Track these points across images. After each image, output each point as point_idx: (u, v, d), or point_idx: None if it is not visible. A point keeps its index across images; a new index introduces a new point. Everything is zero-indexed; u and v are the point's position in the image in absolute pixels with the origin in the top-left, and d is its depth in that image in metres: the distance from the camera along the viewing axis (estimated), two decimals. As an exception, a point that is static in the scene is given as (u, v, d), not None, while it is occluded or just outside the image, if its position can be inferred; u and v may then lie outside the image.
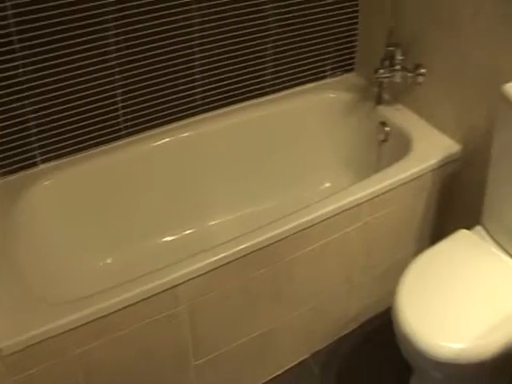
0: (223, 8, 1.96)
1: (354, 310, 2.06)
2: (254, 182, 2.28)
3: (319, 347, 2.04)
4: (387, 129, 2.14)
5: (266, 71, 2.21)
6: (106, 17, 1.77)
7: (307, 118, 2.32)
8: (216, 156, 2.17)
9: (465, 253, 1.66)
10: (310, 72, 2.32)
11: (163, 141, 2.04)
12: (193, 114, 2.12)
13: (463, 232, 1.72)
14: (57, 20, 1.69)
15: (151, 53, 1.91)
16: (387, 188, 1.83)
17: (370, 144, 2.24)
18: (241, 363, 1.83)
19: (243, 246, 1.58)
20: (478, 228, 1.75)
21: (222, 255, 1.55)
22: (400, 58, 2.06)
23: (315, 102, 2.32)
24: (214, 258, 1.54)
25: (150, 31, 1.86)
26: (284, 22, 2.12)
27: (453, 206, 2.04)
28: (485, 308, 1.50)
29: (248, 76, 2.17)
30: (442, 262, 1.64)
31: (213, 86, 2.11)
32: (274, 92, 2.27)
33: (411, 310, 1.51)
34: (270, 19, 2.09)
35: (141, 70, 1.92)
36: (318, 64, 2.32)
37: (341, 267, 1.90)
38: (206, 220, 2.22)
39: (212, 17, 1.96)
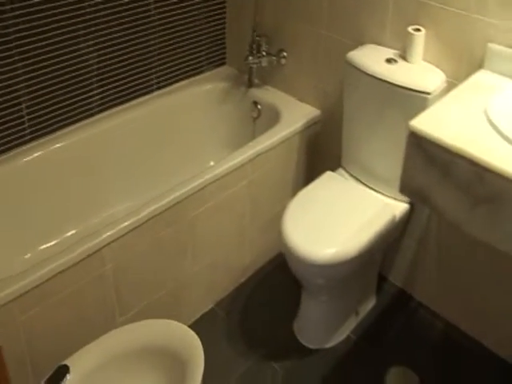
0: (113, 17, 2.20)
1: (248, 259, 2.39)
2: (150, 170, 2.51)
3: (222, 296, 2.33)
4: (259, 107, 2.53)
5: (151, 70, 2.45)
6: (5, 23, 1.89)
7: (190, 108, 2.61)
8: (113, 151, 2.34)
9: (331, 186, 2.10)
10: (188, 68, 2.61)
11: (65, 142, 2.19)
12: (91, 115, 2.29)
13: (329, 173, 2.16)
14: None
15: (53, 60, 2.07)
16: (264, 150, 2.19)
17: (245, 122, 2.60)
18: (157, 317, 1.97)
19: (152, 208, 1.85)
20: (340, 169, 2.20)
21: (136, 217, 1.80)
22: (265, 45, 2.44)
23: (195, 94, 2.62)
24: (129, 221, 1.79)
25: (47, 35, 2.02)
26: (164, 26, 2.39)
27: (318, 156, 2.46)
28: (349, 222, 1.93)
29: (137, 76, 2.37)
30: (315, 194, 2.06)
31: (107, 87, 2.29)
32: (159, 88, 2.53)
33: (293, 230, 1.88)
34: (153, 24, 2.35)
35: (44, 78, 2.06)
36: (195, 60, 2.62)
37: (233, 221, 2.22)
38: (108, 209, 2.39)
39: (102, 23, 2.17)
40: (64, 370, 1.48)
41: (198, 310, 2.24)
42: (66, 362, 1.51)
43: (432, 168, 1.47)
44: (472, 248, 2.04)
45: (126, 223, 1.79)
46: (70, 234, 2.29)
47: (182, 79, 2.61)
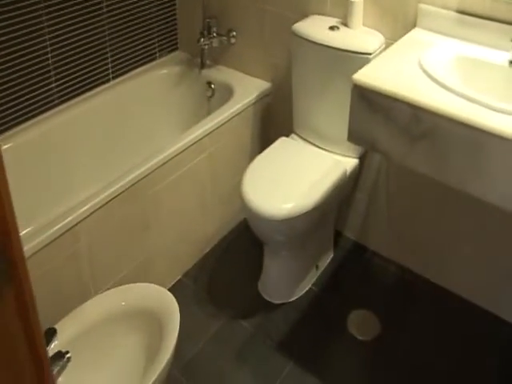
0: (65, 10, 2.24)
1: (211, 230, 2.51)
2: (113, 157, 2.57)
3: (189, 266, 2.44)
4: (212, 86, 2.66)
5: (107, 60, 2.50)
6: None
7: (146, 94, 2.70)
8: (76, 141, 2.40)
9: (285, 150, 2.25)
10: (142, 55, 2.69)
11: (27, 136, 2.22)
12: (52, 107, 2.33)
13: (282, 138, 2.30)
14: None
15: (9, 57, 2.10)
16: (220, 123, 2.31)
17: (200, 102, 2.72)
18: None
19: (118, 185, 1.94)
20: (292, 134, 2.34)
21: (104, 195, 1.89)
22: (215, 27, 2.57)
23: (150, 80, 2.71)
24: (99, 198, 1.88)
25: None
26: (115, 16, 2.46)
27: (272, 125, 2.60)
28: (304, 179, 2.07)
29: (93, 67, 2.44)
30: (271, 158, 2.20)
31: (65, 79, 2.34)
32: (116, 77, 2.60)
33: (252, 191, 2.02)
34: (104, 14, 2.41)
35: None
36: (148, 47, 2.71)
37: (195, 194, 2.34)
38: (74, 197, 2.34)
39: (55, 15, 2.21)
40: (52, 332, 1.53)
41: (168, 282, 2.33)
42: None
43: (375, 114, 1.63)
44: (417, 195, 2.24)
45: (96, 200, 1.87)
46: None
47: (137, 67, 2.68)
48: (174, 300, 1.71)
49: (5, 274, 0.65)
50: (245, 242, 2.50)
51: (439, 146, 1.52)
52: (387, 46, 1.96)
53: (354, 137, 1.73)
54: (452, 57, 1.75)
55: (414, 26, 1.96)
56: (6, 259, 0.65)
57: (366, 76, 1.64)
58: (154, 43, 2.74)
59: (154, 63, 2.78)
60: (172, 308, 1.69)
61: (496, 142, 1.41)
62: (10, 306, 0.67)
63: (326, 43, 2.04)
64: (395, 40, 1.92)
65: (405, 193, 2.28)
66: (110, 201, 1.93)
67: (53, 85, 2.32)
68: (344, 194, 2.27)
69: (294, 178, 2.08)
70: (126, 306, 1.72)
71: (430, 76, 1.63)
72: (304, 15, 2.22)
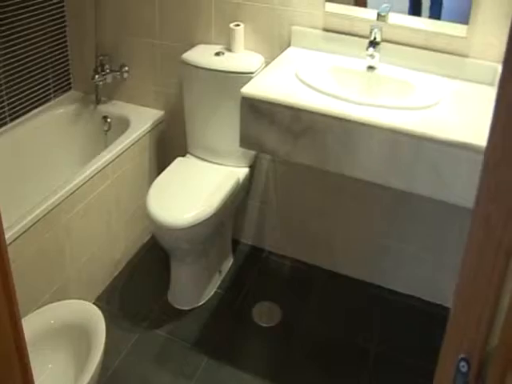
0: None
1: (119, 252, 2.60)
2: (20, 196, 2.59)
3: (102, 289, 2.52)
4: (109, 120, 2.80)
5: (3, 103, 2.52)
6: None
7: (46, 133, 2.75)
8: None
9: (182, 168, 2.43)
10: (38, 96, 2.75)
11: None
12: None
13: (178, 159, 2.48)
14: None
15: None
16: (119, 152, 2.45)
17: (98, 136, 2.83)
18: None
19: (29, 218, 2.00)
20: (187, 154, 2.53)
21: (18, 227, 1.95)
22: (108, 63, 2.72)
23: (47, 120, 2.77)
24: (11, 233, 1.93)
25: None
26: (8, 60, 2.51)
27: (168, 149, 2.77)
28: (202, 191, 2.26)
29: None
30: (171, 175, 2.37)
31: None
32: (13, 120, 2.65)
33: (157, 205, 2.17)
34: None
35: None
36: (43, 89, 2.78)
37: (102, 219, 2.44)
38: None
39: None
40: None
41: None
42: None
43: (261, 120, 1.86)
44: (302, 193, 2.53)
45: (10, 233, 1.93)
46: None
47: (33, 108, 2.75)
48: (98, 311, 1.83)
49: None
50: (151, 260, 2.65)
51: (318, 139, 1.77)
52: (267, 64, 2.21)
53: (244, 142, 1.94)
54: (322, 66, 2.05)
55: (289, 45, 2.25)
56: None
57: (252, 88, 1.88)
58: (48, 84, 2.81)
59: (49, 103, 2.84)
60: (97, 319, 1.81)
61: (360, 128, 1.69)
62: None
63: (213, 67, 2.26)
64: (273, 59, 2.18)
65: (291, 192, 2.56)
66: (24, 233, 1.98)
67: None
68: (239, 199, 2.48)
69: (193, 191, 2.26)
70: (54, 324, 1.81)
71: (305, 83, 1.90)
72: (191, 45, 2.44)
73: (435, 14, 2.06)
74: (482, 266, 0.64)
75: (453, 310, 0.70)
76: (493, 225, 0.62)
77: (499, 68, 1.95)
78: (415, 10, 2.10)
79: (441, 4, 2.05)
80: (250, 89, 1.88)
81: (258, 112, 1.86)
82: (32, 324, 1.79)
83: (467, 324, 0.66)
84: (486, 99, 1.88)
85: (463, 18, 1.97)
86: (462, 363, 0.65)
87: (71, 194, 2.20)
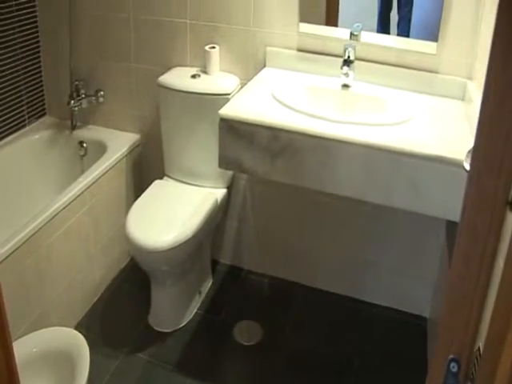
0: None
1: (98, 277, 2.60)
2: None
3: (82, 315, 2.50)
4: (85, 145, 2.80)
5: None
6: None
7: (21, 159, 2.74)
8: None
9: (160, 191, 2.45)
10: (13, 123, 2.75)
11: None
12: None
13: (156, 181, 2.50)
14: None
15: None
16: (96, 177, 2.45)
17: (74, 161, 2.83)
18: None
19: (10, 244, 1.99)
20: (165, 177, 2.55)
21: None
22: (83, 89, 2.73)
23: (23, 146, 2.76)
24: None
25: None
26: None
27: (145, 172, 2.78)
28: (180, 213, 2.27)
29: None
30: (150, 198, 2.38)
31: None
32: None
33: (136, 229, 2.17)
34: None
35: None
36: (18, 115, 2.78)
37: (80, 244, 2.43)
38: None
39: None
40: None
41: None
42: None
43: (240, 141, 1.88)
44: (279, 211, 2.57)
45: None
46: None
47: (8, 135, 2.73)
48: (82, 338, 1.83)
49: None
50: (130, 284, 2.64)
51: (296, 157, 1.80)
52: (243, 85, 2.24)
53: (223, 163, 1.96)
54: (298, 86, 2.09)
55: (264, 65, 2.29)
56: None
57: (229, 110, 1.91)
58: (23, 110, 2.81)
59: (24, 129, 2.83)
60: (81, 345, 1.81)
61: (337, 145, 1.73)
62: None
63: (189, 90, 2.29)
64: (249, 79, 2.21)
65: (269, 211, 2.60)
66: (5, 259, 1.97)
67: None
68: (217, 220, 2.50)
69: (172, 213, 2.27)
70: (37, 352, 1.80)
71: (282, 103, 1.93)
72: (167, 68, 2.47)
73: (404, 30, 2.13)
74: (468, 271, 0.67)
75: (442, 314, 0.73)
76: (478, 232, 0.65)
77: (469, 84, 2.02)
78: (384, 27, 2.16)
79: (409, 20, 2.12)
80: (227, 110, 1.91)
81: (236, 133, 1.88)
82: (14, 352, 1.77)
83: (456, 326, 0.69)
84: (456, 113, 1.94)
85: (432, 35, 2.03)
86: (453, 364, 0.68)
87: (50, 219, 2.19)
